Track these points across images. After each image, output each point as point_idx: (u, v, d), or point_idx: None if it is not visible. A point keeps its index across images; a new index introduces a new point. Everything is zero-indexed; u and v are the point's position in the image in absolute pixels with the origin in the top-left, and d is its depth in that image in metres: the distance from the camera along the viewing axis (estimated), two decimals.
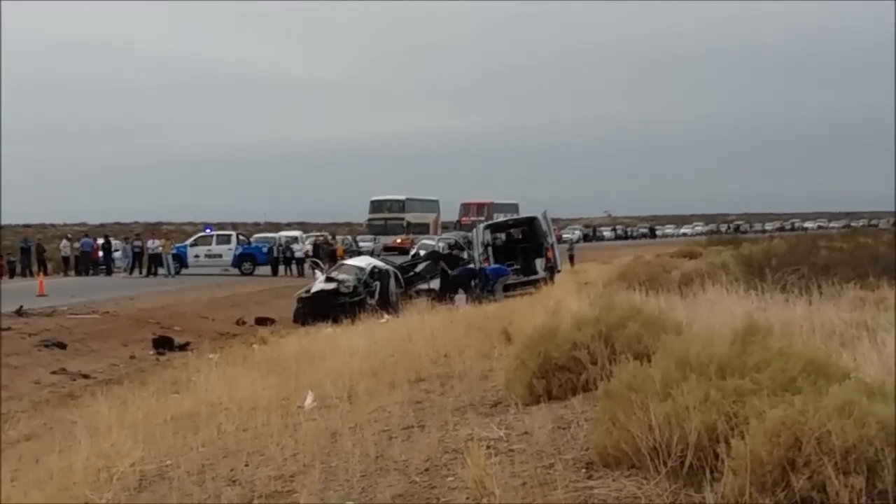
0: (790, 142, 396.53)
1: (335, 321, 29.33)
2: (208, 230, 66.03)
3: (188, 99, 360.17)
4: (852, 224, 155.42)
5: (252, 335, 29.73)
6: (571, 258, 62.38)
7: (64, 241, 61.31)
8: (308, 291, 34.86)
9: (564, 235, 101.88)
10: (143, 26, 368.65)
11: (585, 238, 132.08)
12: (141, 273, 56.04)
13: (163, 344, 29.10)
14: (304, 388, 13.83)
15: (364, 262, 38.34)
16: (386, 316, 28.32)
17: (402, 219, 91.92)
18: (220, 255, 58.95)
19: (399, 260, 45.57)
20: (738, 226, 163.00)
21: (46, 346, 26.63)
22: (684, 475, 6.33)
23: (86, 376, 23.90)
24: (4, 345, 25.26)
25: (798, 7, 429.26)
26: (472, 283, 35.36)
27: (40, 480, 10.37)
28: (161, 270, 55.51)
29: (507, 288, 36.75)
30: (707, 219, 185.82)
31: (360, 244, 78.80)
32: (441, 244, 61.77)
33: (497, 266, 38.35)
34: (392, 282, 35.44)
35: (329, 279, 34.99)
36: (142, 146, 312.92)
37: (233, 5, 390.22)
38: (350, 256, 54.43)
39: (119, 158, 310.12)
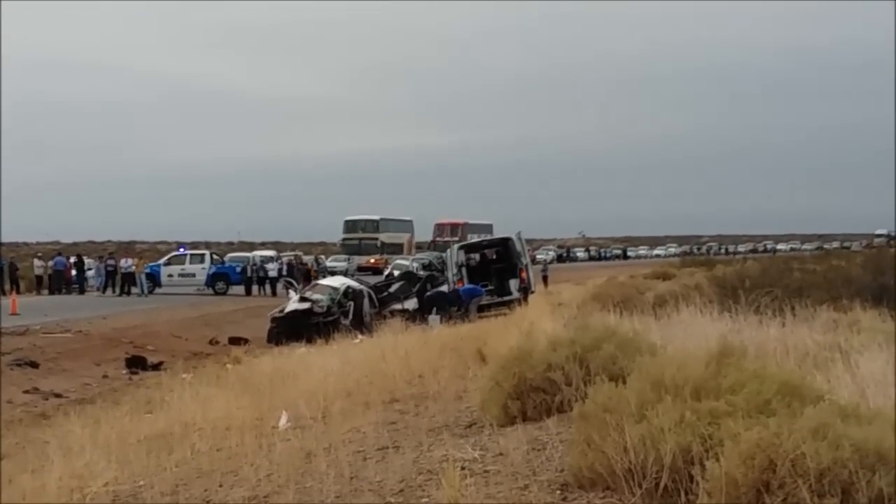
0: (763, 163, 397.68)
1: (309, 341, 29.31)
2: (182, 249, 66.10)
3: (162, 117, 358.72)
4: (825, 246, 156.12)
5: (226, 355, 29.61)
6: (545, 279, 62.51)
7: (37, 260, 61.03)
8: (282, 311, 34.83)
9: (538, 256, 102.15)
10: (118, 45, 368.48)
11: (559, 259, 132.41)
12: (114, 292, 55.90)
13: (136, 363, 29.04)
14: (278, 408, 13.80)
15: (338, 282, 38.37)
16: (360, 336, 28.27)
17: (377, 239, 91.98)
18: (194, 275, 58.76)
19: (373, 280, 45.58)
20: (714, 247, 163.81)
21: (19, 365, 26.50)
22: (659, 497, 6.34)
23: (58, 395, 23.80)
24: None
25: (774, 30, 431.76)
26: (450, 307, 35.35)
27: (12, 501, 10.30)
28: (134, 289, 55.36)
29: (481, 309, 36.87)
30: (680, 240, 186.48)
31: (328, 264, 78.79)
32: (415, 264, 61.85)
33: (471, 286, 38.43)
34: (366, 302, 35.46)
35: (303, 299, 34.99)
36: (115, 164, 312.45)
37: (208, 24, 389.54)
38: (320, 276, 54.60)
39: (92, 177, 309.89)
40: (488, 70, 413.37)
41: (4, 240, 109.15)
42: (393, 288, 39.24)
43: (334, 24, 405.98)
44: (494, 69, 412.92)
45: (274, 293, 56.28)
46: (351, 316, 34.19)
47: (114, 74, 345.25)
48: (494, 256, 42.80)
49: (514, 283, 40.53)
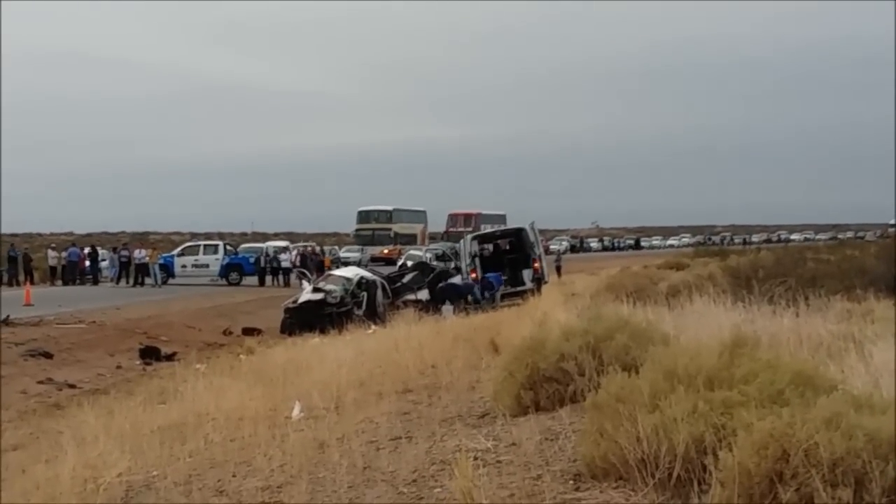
0: (777, 154, 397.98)
1: (322, 332, 29.33)
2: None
3: (176, 110, 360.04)
4: (839, 236, 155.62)
5: (239, 345, 29.66)
6: (559, 269, 62.42)
7: (51, 251, 61.18)
8: (295, 302, 34.84)
9: (552, 246, 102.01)
10: (127, 40, 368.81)
11: (573, 249, 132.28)
12: (128, 283, 56.03)
13: (149, 354, 29.07)
14: (291, 398, 13.81)
15: (351, 272, 38.37)
16: (373, 326, 28.28)
17: (390, 229, 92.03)
18: (208, 265, 58.93)
19: (386, 270, 45.57)
20: (728, 237, 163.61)
21: (33, 355, 26.57)
22: (672, 487, 6.33)
23: (72, 386, 23.86)
24: None
25: (786, 23, 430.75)
26: (461, 299, 35.51)
27: (27, 491, 10.33)
28: (148, 280, 55.48)
29: (495, 299, 36.96)
30: (694, 230, 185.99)
31: (342, 254, 79.11)
32: (428, 255, 61.81)
33: (496, 274, 38.68)
34: (379, 292, 35.45)
35: (316, 290, 34.98)
36: (130, 157, 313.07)
37: (223, 18, 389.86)
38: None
39: (107, 169, 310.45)
40: (503, 64, 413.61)
41: (19, 230, 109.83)
42: (406, 278, 39.24)
43: (344, 21, 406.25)
44: (509, 63, 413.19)
45: (287, 284, 56.30)
46: (364, 306, 34.18)
47: (122, 69, 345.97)
48: (508, 247, 42.77)
49: (527, 274, 40.54)
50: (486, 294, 37.05)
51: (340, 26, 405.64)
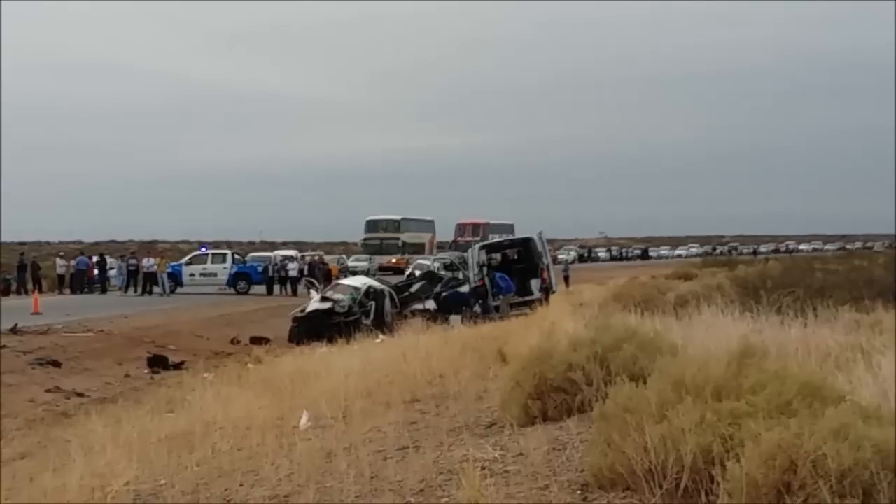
0: (785, 164, 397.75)
1: (330, 341, 29.25)
2: (204, 248, 66.44)
3: (184, 117, 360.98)
4: (847, 247, 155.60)
5: (247, 354, 29.65)
6: (567, 279, 62.40)
7: (59, 260, 61.25)
8: (303, 311, 34.83)
9: (560, 256, 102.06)
10: (136, 47, 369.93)
11: (581, 259, 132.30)
12: (136, 291, 56.12)
13: (157, 363, 29.06)
14: (299, 407, 13.80)
15: (359, 281, 38.39)
16: (381, 336, 28.26)
17: (398, 238, 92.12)
18: (216, 274, 58.94)
19: (394, 280, 45.58)
20: (738, 246, 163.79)
21: (41, 364, 26.56)
22: (679, 497, 6.32)
23: (80, 395, 23.84)
24: None
25: (793, 32, 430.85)
26: (467, 308, 35.48)
27: (34, 499, 10.33)
28: (156, 289, 55.54)
29: (501, 308, 36.92)
30: (702, 240, 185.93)
31: (350, 263, 79.21)
32: (437, 264, 61.82)
33: (505, 276, 38.67)
34: (387, 302, 35.45)
35: (324, 299, 34.99)
36: (138, 165, 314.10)
37: (230, 26, 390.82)
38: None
39: (115, 177, 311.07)
40: (512, 72, 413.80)
41: (27, 239, 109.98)
42: (414, 288, 39.23)
43: (353, 26, 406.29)
44: (518, 71, 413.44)
45: (295, 293, 56.32)
46: (372, 316, 34.18)
47: (129, 76, 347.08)
48: (516, 256, 42.75)
49: (535, 283, 40.46)
50: (497, 296, 37.12)
51: (348, 32, 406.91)
